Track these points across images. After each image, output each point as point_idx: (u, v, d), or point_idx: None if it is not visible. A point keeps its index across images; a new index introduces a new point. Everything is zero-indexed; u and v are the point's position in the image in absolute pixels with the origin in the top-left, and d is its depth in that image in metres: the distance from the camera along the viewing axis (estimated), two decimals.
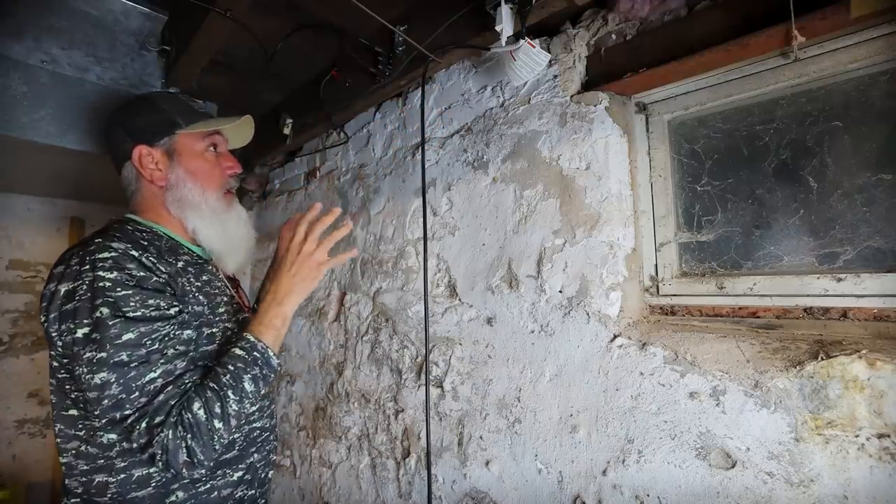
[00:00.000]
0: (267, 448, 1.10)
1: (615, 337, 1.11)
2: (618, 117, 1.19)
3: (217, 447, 0.83)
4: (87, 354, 0.80)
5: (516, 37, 1.08)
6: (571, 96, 1.24)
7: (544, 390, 1.22)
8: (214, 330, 0.97)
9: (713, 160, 1.14)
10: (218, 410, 0.83)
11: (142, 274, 0.85)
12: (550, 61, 1.23)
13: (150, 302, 0.84)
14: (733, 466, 0.91)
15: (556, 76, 1.27)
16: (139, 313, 0.82)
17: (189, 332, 0.90)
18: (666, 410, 1.00)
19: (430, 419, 1.41)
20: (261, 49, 1.49)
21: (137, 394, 0.80)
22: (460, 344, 1.45)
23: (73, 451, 0.89)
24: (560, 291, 1.22)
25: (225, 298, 1.05)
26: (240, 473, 1.00)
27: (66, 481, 0.91)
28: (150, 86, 1.70)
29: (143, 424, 0.79)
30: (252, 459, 1.03)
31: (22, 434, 3.04)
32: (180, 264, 0.97)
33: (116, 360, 0.79)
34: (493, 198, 1.40)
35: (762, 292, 1.03)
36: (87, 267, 0.83)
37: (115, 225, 0.96)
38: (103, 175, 2.03)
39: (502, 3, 1.05)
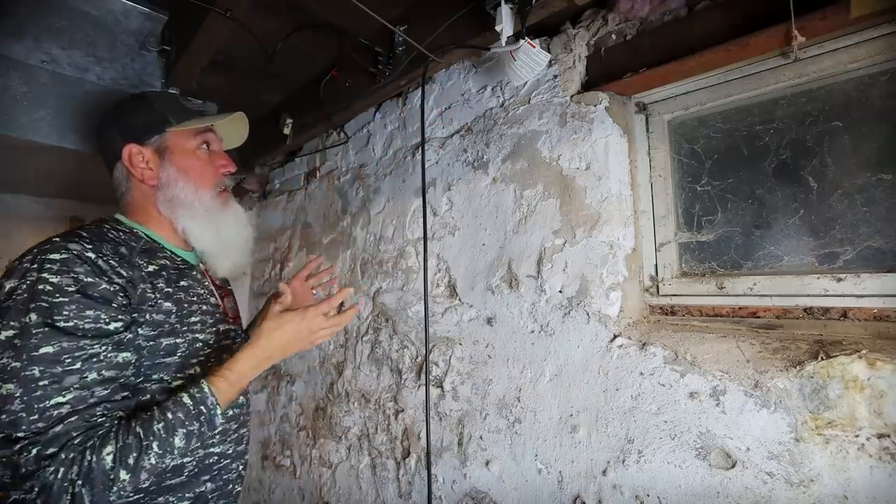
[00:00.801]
0: (225, 477, 0.98)
1: (615, 337, 1.11)
2: (618, 117, 1.19)
3: (113, 499, 0.74)
4: (3, 360, 0.74)
5: (516, 37, 1.08)
6: (571, 96, 1.24)
7: (544, 390, 1.22)
8: (178, 340, 0.90)
9: (713, 160, 1.14)
10: (131, 462, 0.74)
11: (89, 280, 0.79)
12: (550, 61, 1.23)
13: (88, 313, 0.77)
14: (733, 466, 0.91)
15: (556, 76, 1.27)
16: (71, 324, 0.76)
17: (126, 354, 0.82)
18: (666, 410, 1.00)
19: (430, 419, 1.41)
20: (261, 49, 1.49)
21: (36, 416, 0.72)
22: (460, 344, 1.45)
23: (4, 459, 0.78)
24: (560, 291, 1.22)
25: (204, 307, 0.98)
26: (186, 503, 0.90)
27: None
28: (149, 86, 1.70)
29: (34, 452, 0.70)
30: (203, 489, 0.93)
31: None
32: (152, 268, 0.91)
33: (27, 373, 0.73)
34: (493, 198, 1.40)
35: (762, 292, 1.03)
36: (35, 266, 0.78)
37: (92, 224, 0.92)
38: (103, 175, 2.03)
39: (502, 3, 1.05)
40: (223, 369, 0.86)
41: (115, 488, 0.73)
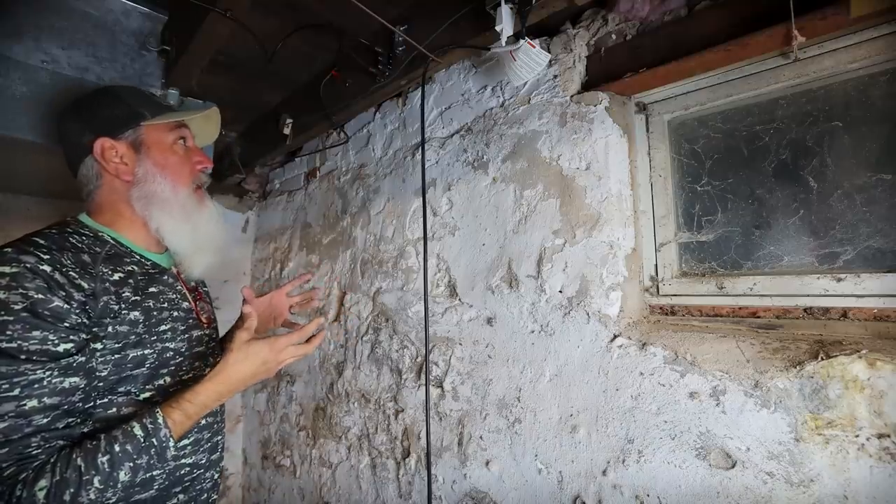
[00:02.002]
0: (198, 487, 0.95)
1: (615, 337, 1.11)
2: (618, 117, 1.19)
3: None
4: None
5: (516, 37, 1.08)
6: (571, 96, 1.24)
7: (544, 390, 1.22)
8: (146, 351, 0.86)
9: (713, 160, 1.14)
10: (67, 498, 0.68)
11: (40, 296, 0.73)
12: (550, 61, 1.23)
13: (34, 334, 0.72)
14: (733, 466, 0.91)
15: (556, 76, 1.27)
16: (14, 345, 0.70)
17: (74, 379, 0.76)
18: (666, 410, 1.00)
19: (430, 419, 1.41)
20: (261, 49, 1.49)
21: None
22: (460, 344, 1.45)
23: None
24: (560, 291, 1.22)
25: (175, 313, 0.94)
26: None
27: None
28: (149, 86, 1.70)
29: None
30: (175, 501, 0.90)
31: None
32: (117, 276, 0.85)
33: None
34: (493, 198, 1.40)
35: (762, 292, 1.03)
36: None
37: (53, 228, 0.87)
38: None
39: (502, 3, 1.04)
40: (183, 401, 0.81)
41: None
